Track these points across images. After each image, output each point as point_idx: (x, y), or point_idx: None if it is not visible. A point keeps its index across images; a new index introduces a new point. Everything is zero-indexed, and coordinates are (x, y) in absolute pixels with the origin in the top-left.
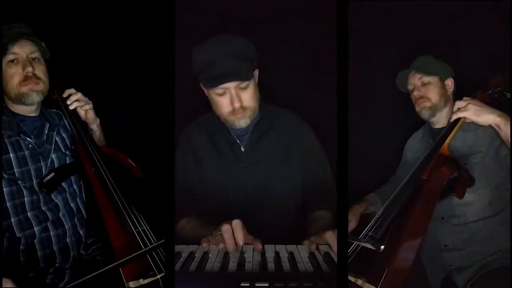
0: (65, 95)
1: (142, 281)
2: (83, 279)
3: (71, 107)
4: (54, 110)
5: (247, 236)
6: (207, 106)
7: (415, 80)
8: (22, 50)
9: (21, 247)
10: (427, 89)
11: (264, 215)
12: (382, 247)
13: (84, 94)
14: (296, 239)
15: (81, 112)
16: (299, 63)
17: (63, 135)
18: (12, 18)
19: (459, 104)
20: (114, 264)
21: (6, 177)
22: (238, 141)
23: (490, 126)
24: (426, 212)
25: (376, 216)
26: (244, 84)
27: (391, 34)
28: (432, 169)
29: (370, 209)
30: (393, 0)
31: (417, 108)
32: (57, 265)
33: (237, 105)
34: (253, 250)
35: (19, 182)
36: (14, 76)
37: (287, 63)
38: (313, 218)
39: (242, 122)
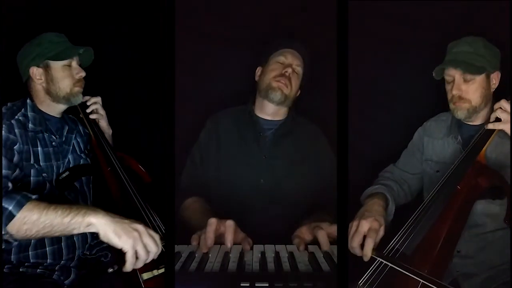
0: (83, 99)
1: (156, 272)
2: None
3: (93, 107)
4: (70, 115)
5: (240, 233)
6: (208, 106)
7: (456, 73)
8: (75, 57)
9: (32, 240)
10: (469, 89)
11: (269, 211)
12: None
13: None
14: None
15: (95, 116)
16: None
17: (78, 139)
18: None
19: (501, 110)
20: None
21: (36, 166)
22: (264, 133)
23: None
24: (459, 226)
25: (405, 226)
26: (298, 69)
27: (391, 34)
28: (467, 179)
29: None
30: (393, 0)
31: (452, 107)
32: (63, 262)
33: (289, 70)
34: (252, 250)
35: (43, 175)
36: (68, 78)
37: None
38: (310, 218)
39: (279, 93)
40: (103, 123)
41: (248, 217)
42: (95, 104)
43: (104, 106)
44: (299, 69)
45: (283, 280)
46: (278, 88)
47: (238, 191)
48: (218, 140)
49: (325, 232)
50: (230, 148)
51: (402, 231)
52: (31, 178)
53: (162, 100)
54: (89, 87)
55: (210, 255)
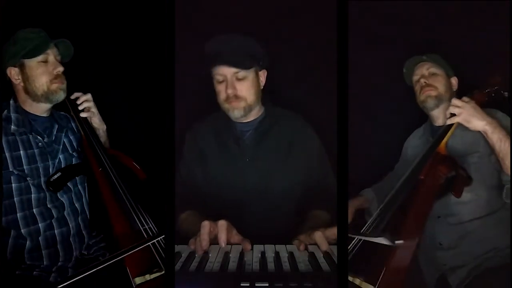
0: (73, 97)
1: (148, 277)
2: (88, 272)
3: (84, 105)
4: (62, 113)
5: (236, 235)
6: (208, 107)
7: (423, 70)
8: (51, 51)
9: (27, 243)
10: (434, 79)
11: (265, 211)
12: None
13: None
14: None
15: (86, 114)
16: (299, 63)
17: (71, 137)
18: (15, 20)
19: (453, 106)
20: (117, 253)
21: (16, 173)
22: (243, 136)
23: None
24: (423, 212)
25: (375, 214)
26: (241, 74)
27: (391, 34)
28: (429, 168)
29: (365, 205)
30: (393, 0)
31: (422, 97)
32: (60, 263)
33: (230, 91)
34: (252, 250)
35: (28, 179)
36: (44, 74)
37: (287, 63)
38: (308, 217)
39: (236, 111)
40: (96, 120)
41: (244, 220)
42: (86, 102)
43: (103, 104)
44: (241, 73)
45: (283, 280)
46: (233, 108)
47: (229, 197)
48: (199, 151)
49: (322, 234)
50: (213, 157)
51: (373, 218)
52: (12, 185)
53: (161, 98)
54: (89, 86)
55: (210, 255)
